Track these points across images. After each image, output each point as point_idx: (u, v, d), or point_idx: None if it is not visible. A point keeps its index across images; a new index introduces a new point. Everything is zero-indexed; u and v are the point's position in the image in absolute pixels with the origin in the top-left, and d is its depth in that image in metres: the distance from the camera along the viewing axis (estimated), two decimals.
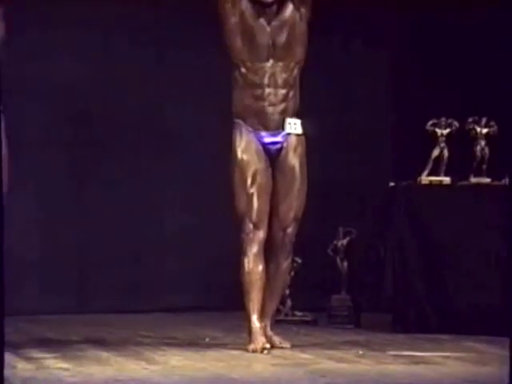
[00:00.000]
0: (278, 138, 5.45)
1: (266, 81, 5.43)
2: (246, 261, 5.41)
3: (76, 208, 7.10)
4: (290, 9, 5.44)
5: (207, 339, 5.74)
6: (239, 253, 5.41)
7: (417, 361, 4.99)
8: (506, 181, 6.04)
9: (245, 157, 5.42)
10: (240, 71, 5.44)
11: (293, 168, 5.47)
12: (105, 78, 7.06)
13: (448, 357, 5.11)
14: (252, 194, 5.41)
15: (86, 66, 7.01)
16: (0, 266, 3.51)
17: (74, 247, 7.12)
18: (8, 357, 4.96)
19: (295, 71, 5.46)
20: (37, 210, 6.99)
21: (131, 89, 7.07)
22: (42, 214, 7.01)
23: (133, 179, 7.11)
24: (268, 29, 5.43)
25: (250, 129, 5.45)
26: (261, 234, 5.42)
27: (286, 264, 5.56)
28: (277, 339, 5.48)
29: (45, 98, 6.93)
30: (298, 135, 5.47)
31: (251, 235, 5.41)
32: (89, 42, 7.02)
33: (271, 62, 5.42)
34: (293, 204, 5.47)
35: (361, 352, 5.25)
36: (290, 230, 5.48)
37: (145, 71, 7.15)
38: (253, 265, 5.40)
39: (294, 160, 5.47)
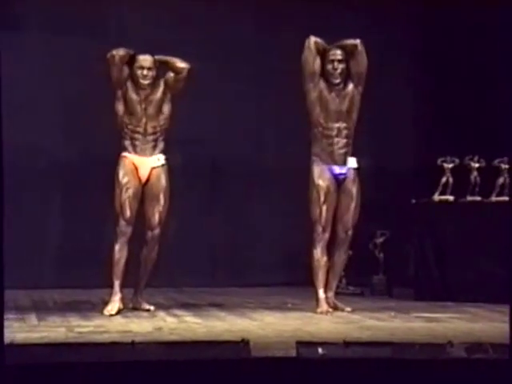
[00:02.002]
0: (343, 171, 5.46)
1: (335, 134, 5.44)
2: (315, 252, 5.41)
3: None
4: (350, 86, 5.45)
5: (289, 305, 5.73)
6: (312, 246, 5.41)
7: (431, 320, 4.98)
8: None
9: (320, 182, 5.42)
10: (318, 129, 5.46)
11: (352, 192, 5.45)
12: None
13: (452, 317, 5.09)
14: (322, 207, 5.39)
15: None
16: (0, 266, 3.09)
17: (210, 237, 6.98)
18: (160, 314, 5.24)
19: (352, 128, 5.48)
20: None
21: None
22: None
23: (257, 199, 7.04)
24: (337, 100, 5.43)
25: (324, 163, 5.46)
26: (326, 235, 5.42)
27: (345, 255, 5.56)
28: (340, 305, 5.46)
29: None
30: (355, 169, 5.49)
31: (320, 235, 5.41)
32: None
33: (339, 123, 5.45)
34: (352, 216, 5.44)
35: (393, 314, 5.22)
36: (350, 232, 5.48)
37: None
38: (320, 255, 5.40)
39: (353, 186, 5.45)
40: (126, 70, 5.29)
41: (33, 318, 4.95)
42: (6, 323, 4.54)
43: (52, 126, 6.79)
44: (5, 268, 6.77)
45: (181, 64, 5.35)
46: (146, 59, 5.29)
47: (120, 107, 5.33)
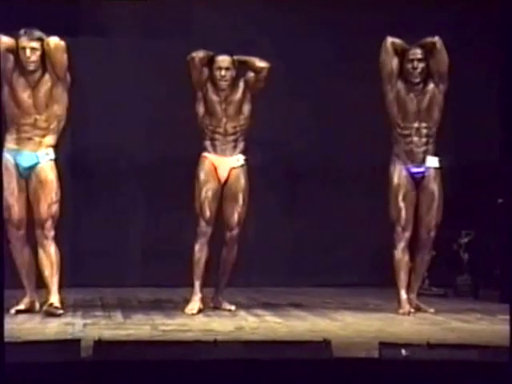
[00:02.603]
0: (421, 169, 5.42)
1: (413, 133, 5.41)
2: (395, 253, 5.38)
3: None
4: (431, 85, 5.40)
5: (371, 305, 5.73)
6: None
7: None
8: None
9: (397, 181, 5.39)
10: (396, 129, 5.44)
11: (433, 192, 5.40)
12: None
13: None
14: (401, 206, 5.36)
15: None
16: (0, 266, 3.04)
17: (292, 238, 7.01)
18: (241, 313, 5.30)
19: (433, 127, 5.43)
20: None
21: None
22: None
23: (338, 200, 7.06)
24: (415, 100, 5.39)
25: (402, 163, 5.43)
26: (407, 235, 5.37)
27: (428, 256, 5.51)
28: (423, 306, 5.41)
29: None
30: (436, 168, 5.44)
31: (400, 235, 5.37)
32: None
33: (417, 123, 5.41)
34: (435, 216, 5.39)
35: (478, 316, 5.17)
36: (432, 233, 5.43)
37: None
38: (401, 255, 5.37)
39: (433, 186, 5.40)
40: (205, 72, 5.34)
41: (119, 316, 5.08)
42: (93, 320, 4.77)
43: (134, 127, 6.93)
44: (92, 267, 7.01)
45: (260, 63, 5.37)
46: (224, 60, 5.32)
47: (200, 108, 5.39)
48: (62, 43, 5.09)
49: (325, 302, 5.88)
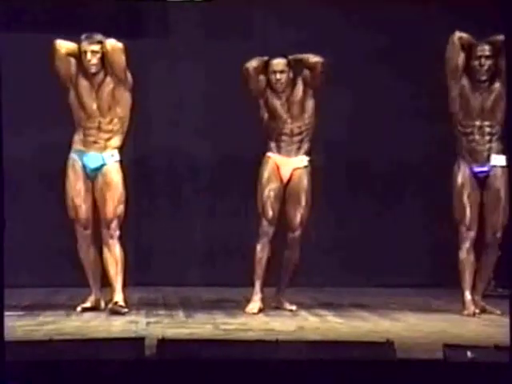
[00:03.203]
0: (485, 168, 5.36)
1: (475, 132, 5.34)
2: (460, 253, 5.33)
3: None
4: (498, 83, 5.32)
5: (433, 306, 5.67)
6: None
7: None
8: None
9: (460, 181, 5.34)
10: (457, 127, 5.38)
11: (498, 191, 5.32)
12: None
13: None
14: (465, 205, 5.31)
15: None
16: (0, 266, 3.02)
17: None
18: (303, 313, 5.32)
19: (497, 126, 5.34)
20: None
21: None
22: None
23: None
24: (480, 97, 5.32)
25: (465, 162, 5.37)
26: (471, 234, 5.31)
27: (494, 257, 5.42)
28: (488, 307, 5.35)
29: None
30: (502, 167, 5.34)
31: (465, 235, 5.32)
32: None
33: (479, 121, 5.34)
34: (500, 216, 5.31)
35: None
36: (498, 234, 5.35)
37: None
38: (465, 256, 5.31)
39: (499, 185, 5.31)
40: (262, 79, 5.36)
41: (181, 315, 5.15)
42: (156, 319, 4.86)
43: (197, 128, 6.99)
44: (155, 266, 7.10)
45: (313, 59, 5.34)
46: (278, 63, 5.33)
47: (264, 114, 5.42)
48: (120, 45, 5.19)
49: (388, 302, 5.85)
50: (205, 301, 5.94)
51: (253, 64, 5.34)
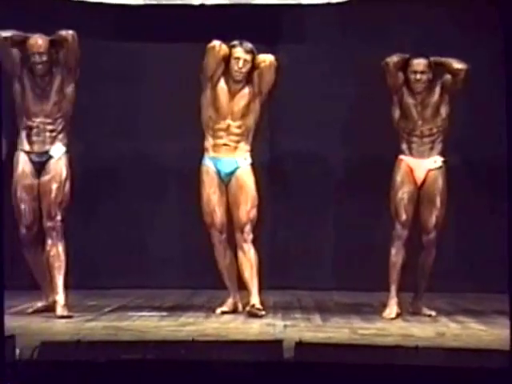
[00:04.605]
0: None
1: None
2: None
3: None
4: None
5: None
6: None
7: None
8: None
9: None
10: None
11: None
12: None
13: None
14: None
15: None
16: (0, 265, 3.03)
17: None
18: (442, 319, 5.23)
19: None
20: None
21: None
22: None
23: None
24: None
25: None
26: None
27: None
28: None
29: None
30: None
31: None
32: None
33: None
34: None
35: None
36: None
37: None
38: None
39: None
40: (401, 76, 5.38)
41: (317, 319, 5.19)
42: (293, 322, 4.92)
43: (330, 130, 7.02)
44: (289, 269, 7.14)
45: (458, 65, 5.32)
46: (419, 63, 5.33)
47: (396, 111, 5.44)
48: (275, 62, 5.35)
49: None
50: (340, 305, 5.96)
51: (394, 59, 5.37)
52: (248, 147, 5.37)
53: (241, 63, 5.29)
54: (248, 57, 5.30)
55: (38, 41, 5.23)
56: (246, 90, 5.35)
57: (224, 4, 6.55)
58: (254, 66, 5.32)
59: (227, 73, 5.34)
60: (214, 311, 5.35)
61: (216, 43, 5.27)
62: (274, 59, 5.33)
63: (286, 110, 6.95)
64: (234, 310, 5.37)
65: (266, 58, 5.32)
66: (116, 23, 6.84)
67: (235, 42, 5.32)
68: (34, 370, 3.68)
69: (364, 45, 6.69)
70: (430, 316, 5.35)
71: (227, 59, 5.32)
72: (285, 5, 6.62)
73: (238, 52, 5.29)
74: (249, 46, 5.33)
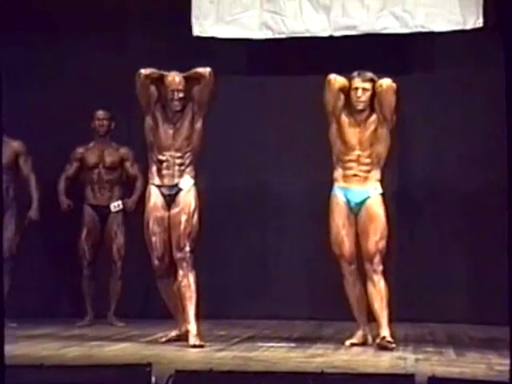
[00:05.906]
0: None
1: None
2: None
3: None
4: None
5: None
6: None
7: None
8: None
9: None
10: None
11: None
12: None
13: None
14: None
15: None
16: (0, 268, 3.01)
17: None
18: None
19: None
20: None
21: None
22: None
23: None
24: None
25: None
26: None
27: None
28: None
29: None
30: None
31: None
32: None
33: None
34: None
35: None
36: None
37: None
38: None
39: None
40: None
41: (451, 353, 5.09)
42: (425, 355, 4.77)
43: (459, 158, 6.93)
44: (419, 301, 6.98)
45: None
46: None
47: None
48: (394, 85, 5.35)
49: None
50: (475, 339, 5.82)
51: None
52: (378, 176, 5.40)
53: (359, 92, 5.34)
54: (367, 85, 5.35)
55: (176, 78, 5.43)
56: (371, 119, 5.39)
57: (352, 35, 6.59)
58: (375, 93, 5.37)
59: (350, 104, 5.41)
60: (343, 343, 5.34)
61: (331, 77, 5.34)
62: (391, 82, 5.33)
63: (414, 138, 6.90)
64: (364, 343, 5.35)
65: (383, 83, 5.34)
66: (248, 58, 6.96)
67: (354, 73, 5.39)
68: None
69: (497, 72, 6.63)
70: None
71: (347, 91, 5.38)
72: (415, 33, 6.57)
73: (356, 82, 5.35)
74: (368, 75, 5.37)
